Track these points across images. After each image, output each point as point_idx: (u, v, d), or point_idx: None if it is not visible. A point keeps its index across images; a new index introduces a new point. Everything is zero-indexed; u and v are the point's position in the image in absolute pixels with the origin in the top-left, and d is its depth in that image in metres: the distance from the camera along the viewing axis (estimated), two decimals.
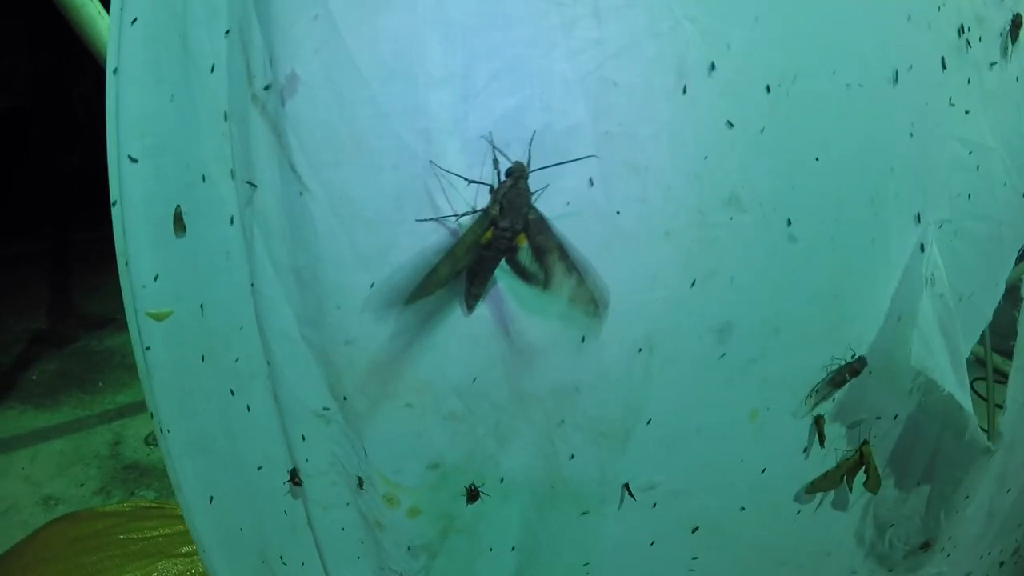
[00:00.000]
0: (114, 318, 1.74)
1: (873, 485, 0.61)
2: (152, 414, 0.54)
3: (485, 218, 0.41)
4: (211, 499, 0.57)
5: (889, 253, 0.56)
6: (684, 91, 0.45)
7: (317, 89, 0.41)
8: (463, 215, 0.42)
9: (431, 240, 0.42)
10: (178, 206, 0.50)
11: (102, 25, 0.59)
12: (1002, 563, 0.78)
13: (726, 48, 0.46)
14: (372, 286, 0.43)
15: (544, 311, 0.45)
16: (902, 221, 0.56)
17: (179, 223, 0.50)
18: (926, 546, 0.68)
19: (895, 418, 0.61)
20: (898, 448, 0.63)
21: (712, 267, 0.48)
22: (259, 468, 0.55)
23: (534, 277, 0.43)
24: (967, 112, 0.58)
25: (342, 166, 0.41)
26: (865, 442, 0.59)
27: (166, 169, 0.50)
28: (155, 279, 0.51)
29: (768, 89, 0.48)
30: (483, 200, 0.42)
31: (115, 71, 0.50)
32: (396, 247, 0.42)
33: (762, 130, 0.48)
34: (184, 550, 0.81)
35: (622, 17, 0.44)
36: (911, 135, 0.55)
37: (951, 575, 0.73)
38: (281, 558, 0.59)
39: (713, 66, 0.46)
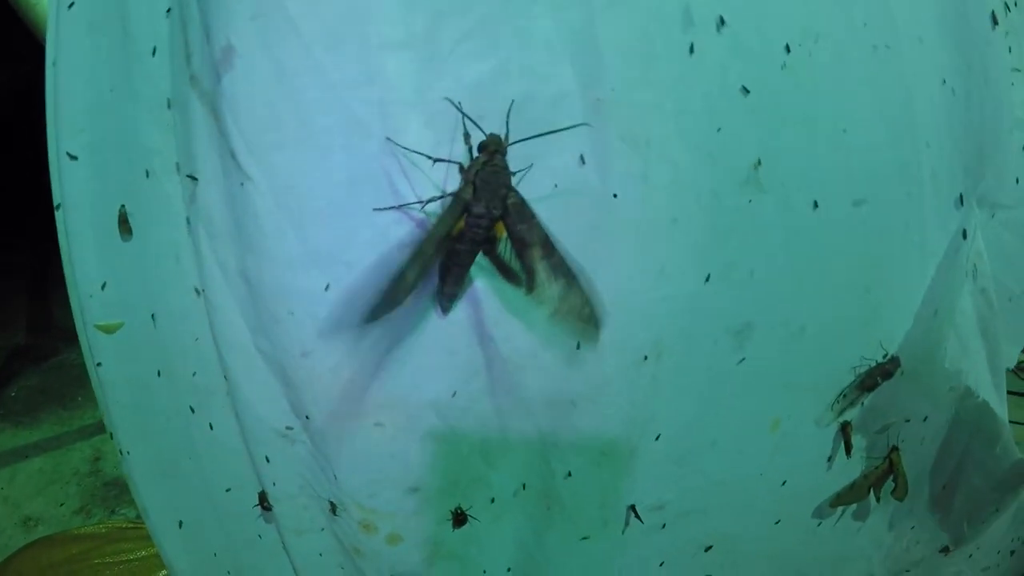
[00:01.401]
0: None
1: (901, 493, 0.51)
2: (111, 435, 0.46)
3: (457, 203, 0.32)
4: (180, 524, 0.48)
5: (925, 239, 0.45)
6: (691, 50, 0.36)
7: (254, 61, 0.32)
8: (429, 201, 0.32)
9: (393, 233, 0.33)
10: (123, 206, 0.41)
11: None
12: (1013, 552, 0.67)
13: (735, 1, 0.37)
14: (327, 288, 0.34)
15: (530, 315, 0.35)
16: (940, 203, 0.46)
17: (124, 225, 0.42)
18: (946, 550, 0.58)
19: (924, 420, 0.51)
20: (924, 451, 0.53)
21: (729, 259, 0.38)
22: (227, 490, 0.46)
23: (515, 276, 0.34)
24: (1012, 84, 0.47)
25: (286, 149, 0.32)
26: (895, 448, 0.49)
27: (108, 166, 0.41)
28: (102, 288, 0.43)
29: (788, 49, 0.38)
30: (453, 183, 0.33)
31: (54, 63, 0.42)
32: (352, 242, 0.33)
33: (783, 97, 0.38)
34: (162, 574, 0.72)
35: None
36: (948, 105, 0.46)
37: (969, 572, 0.63)
38: None
39: (723, 21, 0.36)
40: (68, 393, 1.43)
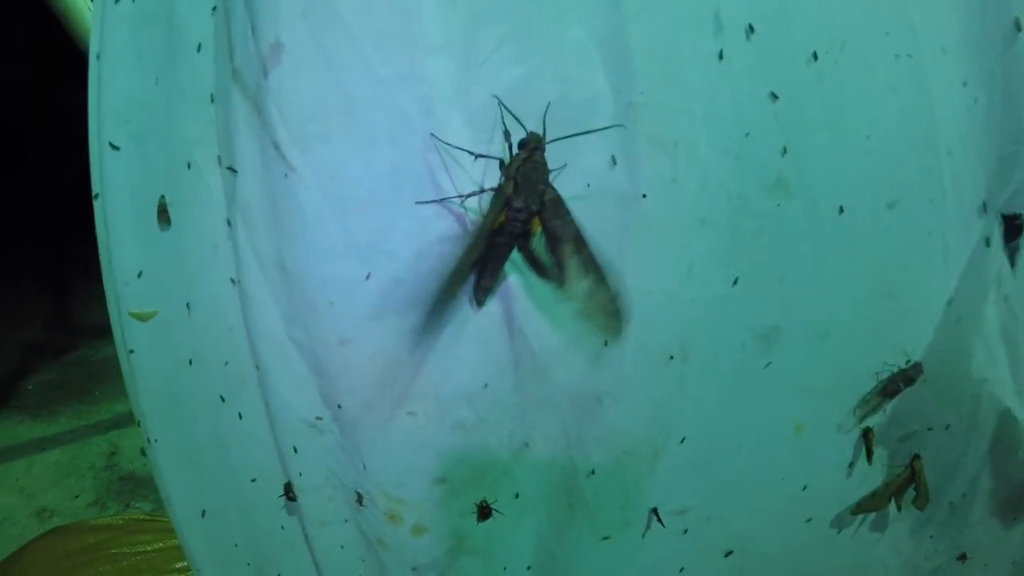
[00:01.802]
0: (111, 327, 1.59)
1: (923, 502, 0.50)
2: (139, 422, 0.47)
3: (499, 197, 0.32)
4: (203, 513, 0.48)
5: (948, 247, 0.45)
6: (720, 56, 0.36)
7: (303, 56, 0.33)
8: (468, 195, 0.33)
9: (433, 226, 0.33)
10: (162, 196, 0.42)
11: (87, 15, 0.53)
12: None
13: (767, 7, 0.37)
14: (368, 278, 0.35)
15: (560, 311, 0.36)
16: (963, 211, 0.46)
17: (163, 215, 0.42)
18: (963, 557, 0.57)
19: (947, 428, 0.51)
20: (945, 459, 0.53)
21: (757, 262, 0.38)
22: (253, 480, 0.47)
23: (548, 270, 0.34)
24: None
25: (331, 140, 0.33)
26: (916, 456, 0.49)
27: (150, 157, 0.42)
28: (139, 276, 0.43)
29: (815, 56, 0.39)
30: (491, 179, 0.33)
31: (98, 56, 0.43)
32: (393, 233, 0.34)
33: (810, 103, 0.39)
34: (178, 566, 0.73)
35: None
36: (970, 113, 0.46)
37: None
38: (279, 574, 0.50)
39: (752, 28, 0.37)
40: (86, 388, 1.43)
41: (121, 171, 0.42)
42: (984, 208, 0.46)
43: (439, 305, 0.33)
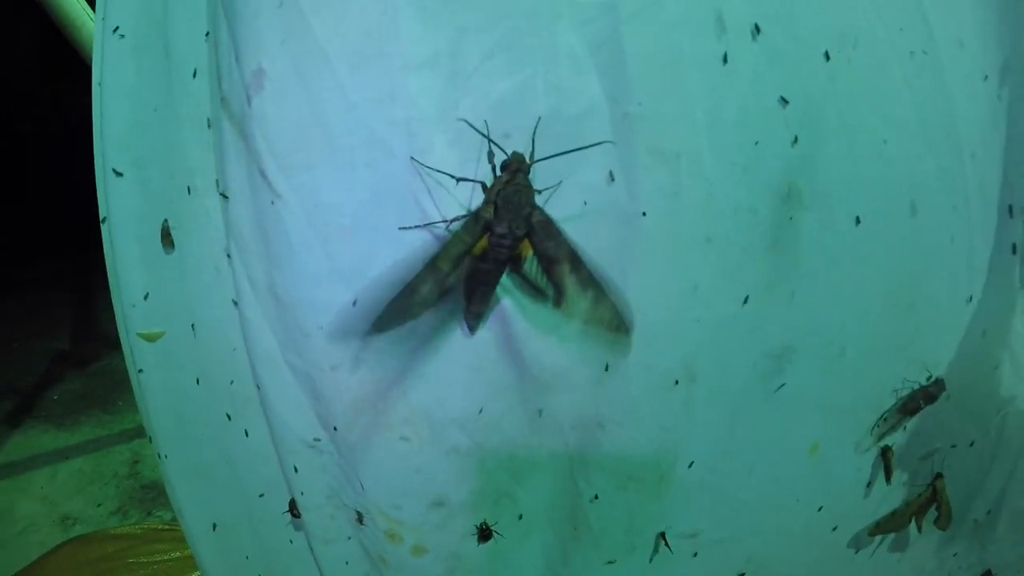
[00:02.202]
0: None
1: (945, 523, 0.47)
2: (150, 439, 0.47)
3: (476, 222, 0.31)
4: (214, 526, 0.49)
5: (972, 254, 0.42)
6: (724, 60, 0.34)
7: (284, 83, 0.32)
8: (454, 220, 0.32)
9: (411, 251, 0.32)
10: (166, 220, 0.42)
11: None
12: None
13: (774, 5, 0.35)
14: (355, 304, 0.34)
15: (558, 332, 0.34)
16: (987, 215, 0.43)
17: (167, 238, 0.43)
18: (988, 574, 0.54)
19: (971, 445, 0.48)
20: (970, 475, 0.49)
21: (769, 279, 0.36)
22: (261, 496, 0.47)
23: (542, 293, 0.33)
24: None
25: (314, 167, 0.32)
26: (939, 475, 0.46)
27: (152, 182, 0.42)
28: (145, 298, 0.43)
29: (827, 56, 0.36)
30: (479, 197, 0.32)
31: (99, 83, 0.43)
32: (377, 258, 0.33)
33: (823, 107, 0.36)
34: (195, 575, 0.73)
35: None
36: (993, 110, 0.42)
37: None
38: None
39: (758, 28, 0.34)
40: (109, 398, 1.46)
41: (125, 196, 0.43)
42: (1010, 212, 0.42)
43: (387, 323, 0.32)
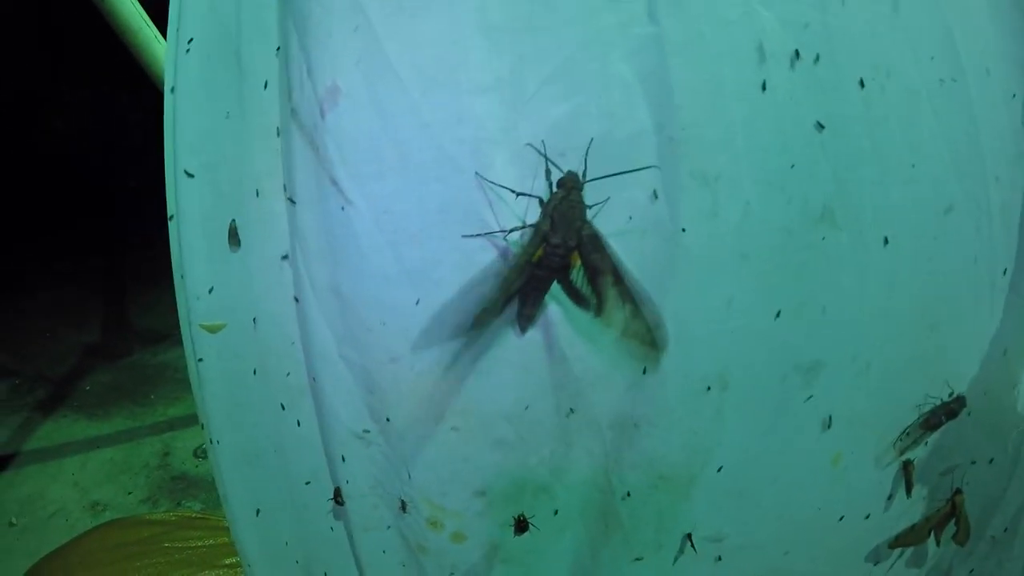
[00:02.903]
0: (169, 334, 1.67)
1: (963, 538, 0.49)
2: (203, 425, 0.51)
3: (536, 234, 0.35)
4: (258, 511, 0.53)
5: (994, 275, 0.45)
6: (763, 87, 0.37)
7: (359, 100, 0.36)
8: (511, 230, 0.35)
9: (478, 258, 0.36)
10: (233, 220, 0.46)
11: (158, 49, 0.58)
12: None
13: (811, 36, 0.38)
14: (417, 303, 0.38)
15: (597, 340, 0.38)
16: (1010, 237, 0.45)
17: (234, 237, 0.47)
18: None
19: (990, 462, 0.50)
20: (988, 492, 0.52)
21: (801, 296, 0.39)
22: (307, 483, 0.51)
23: (586, 301, 0.36)
24: None
25: (386, 179, 0.36)
26: (958, 491, 0.48)
27: (221, 184, 0.46)
28: (209, 292, 0.48)
29: (862, 84, 0.39)
30: (534, 215, 0.35)
31: (172, 89, 0.47)
32: (441, 263, 0.37)
33: (857, 132, 0.39)
34: (228, 561, 0.77)
35: (682, 8, 0.37)
36: (1017, 135, 0.45)
37: None
38: (326, 574, 0.54)
39: (797, 55, 0.37)
40: (140, 391, 1.52)
41: (195, 196, 0.47)
42: None
43: (476, 330, 0.36)
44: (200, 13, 0.46)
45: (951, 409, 0.45)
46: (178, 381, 1.55)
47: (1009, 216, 0.45)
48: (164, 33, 0.71)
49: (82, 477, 1.28)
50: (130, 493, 1.24)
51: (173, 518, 0.85)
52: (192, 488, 1.22)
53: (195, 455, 1.35)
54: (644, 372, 0.39)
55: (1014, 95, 0.44)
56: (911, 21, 0.42)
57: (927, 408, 0.45)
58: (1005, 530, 0.52)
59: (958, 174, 0.43)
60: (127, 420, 1.44)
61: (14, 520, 1.17)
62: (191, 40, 0.46)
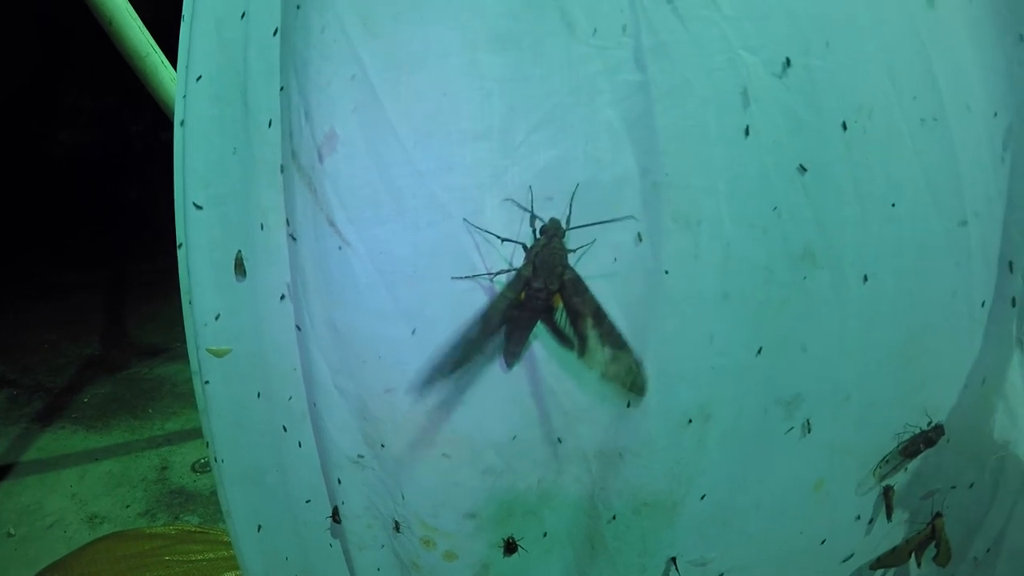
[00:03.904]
0: (166, 348, 1.73)
1: (944, 560, 0.52)
2: (207, 443, 0.55)
3: (518, 280, 0.38)
4: (259, 527, 0.56)
5: (973, 308, 0.48)
6: (747, 132, 0.40)
7: (355, 147, 0.39)
8: (497, 273, 0.39)
9: (468, 298, 0.40)
10: (239, 251, 0.50)
11: (164, 73, 0.62)
12: None
13: (796, 80, 0.40)
14: (413, 333, 0.41)
15: (582, 376, 0.41)
16: (989, 271, 0.48)
17: (240, 267, 0.51)
18: None
19: (971, 487, 0.53)
20: (970, 515, 0.55)
21: (782, 333, 0.42)
22: (307, 501, 0.54)
23: (568, 342, 0.39)
24: None
25: (381, 223, 0.39)
26: (938, 515, 0.51)
27: (228, 217, 0.50)
28: (216, 318, 0.51)
29: (845, 127, 0.42)
30: (520, 258, 0.39)
31: (182, 123, 0.51)
32: (433, 302, 0.40)
33: (839, 173, 0.42)
34: (228, 575, 0.80)
35: (668, 55, 0.39)
36: (996, 172, 0.48)
37: None
38: None
39: (780, 101, 0.40)
40: (139, 404, 1.56)
41: (203, 228, 0.50)
42: (1011, 267, 0.48)
43: (463, 366, 0.39)
44: (209, 50, 0.50)
45: (929, 438, 0.47)
46: (176, 395, 1.59)
47: (988, 251, 0.48)
48: (169, 57, 0.76)
49: (80, 489, 1.32)
50: (128, 506, 1.27)
51: (173, 531, 0.88)
52: (190, 503, 1.26)
53: (193, 469, 1.38)
54: (628, 406, 0.42)
55: (993, 148, 0.46)
56: (894, 60, 0.44)
57: (906, 436, 0.48)
58: (988, 551, 0.55)
59: (938, 211, 0.46)
60: (125, 433, 1.48)
61: (12, 530, 1.21)
62: (200, 77, 0.50)
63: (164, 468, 1.39)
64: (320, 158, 0.41)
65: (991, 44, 0.49)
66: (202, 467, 1.30)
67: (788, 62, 0.41)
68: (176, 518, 1.23)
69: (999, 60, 0.49)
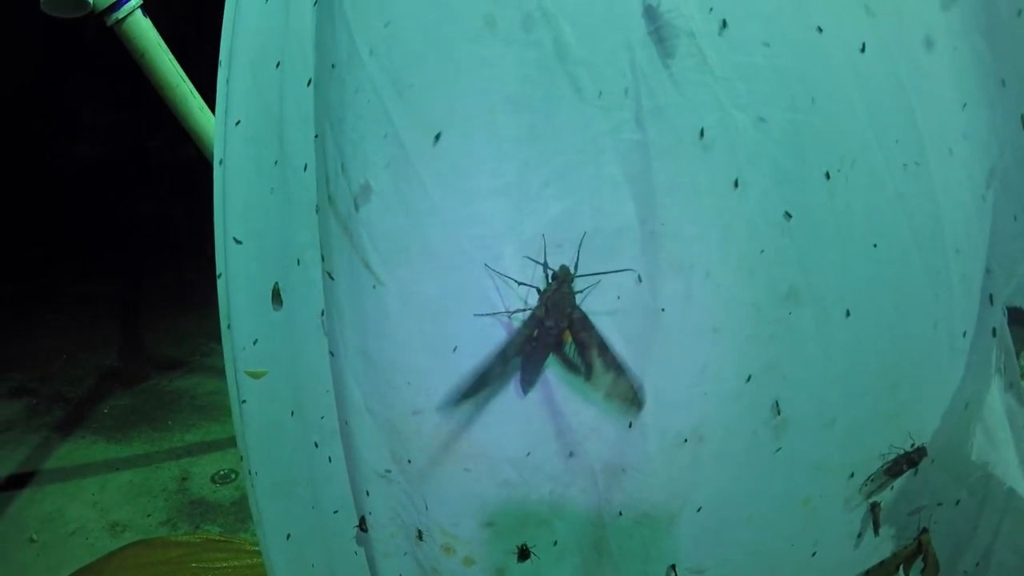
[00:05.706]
0: (185, 361, 1.80)
1: (931, 573, 0.60)
2: (242, 457, 0.64)
3: (532, 319, 0.47)
4: (288, 536, 0.65)
5: (953, 338, 0.55)
6: (736, 185, 0.48)
7: (388, 199, 0.48)
8: (515, 311, 0.47)
9: (488, 333, 0.48)
10: (276, 283, 0.59)
11: (193, 103, 0.71)
12: None
13: (782, 134, 0.48)
14: (438, 363, 0.50)
15: (587, 399, 0.50)
16: (969, 304, 0.56)
17: (277, 298, 0.59)
18: None
19: (957, 504, 0.61)
20: (958, 530, 0.62)
21: (769, 362, 0.50)
22: (335, 512, 0.63)
23: (577, 369, 0.48)
24: None
25: (412, 266, 0.48)
26: (924, 530, 0.59)
27: (266, 251, 0.58)
28: (254, 343, 0.60)
29: (828, 176, 0.49)
30: (535, 298, 0.47)
31: (220, 162, 0.59)
32: (458, 335, 0.49)
33: (822, 219, 0.49)
34: None
35: (665, 117, 0.47)
36: (978, 210, 0.55)
37: None
38: None
39: (768, 154, 0.48)
40: (159, 416, 1.66)
41: (241, 260, 0.59)
42: (991, 300, 0.55)
43: (484, 393, 0.49)
44: (246, 95, 0.58)
45: (911, 459, 0.55)
46: (195, 408, 1.68)
47: (970, 284, 0.55)
48: (189, 74, 0.84)
49: (102, 497, 1.41)
50: (149, 515, 1.37)
51: (198, 540, 0.97)
52: (210, 513, 1.34)
53: (213, 481, 1.46)
54: (630, 426, 0.50)
55: (974, 188, 0.53)
56: (878, 110, 0.51)
57: (891, 457, 0.55)
58: (977, 565, 0.63)
59: (919, 249, 0.53)
60: (145, 444, 1.58)
61: (35, 536, 1.32)
62: (239, 122, 0.58)
63: (184, 479, 1.48)
64: (356, 207, 0.49)
65: (974, 89, 0.55)
66: (222, 479, 1.40)
67: (775, 118, 0.49)
68: (197, 527, 1.31)
69: (981, 105, 0.55)
